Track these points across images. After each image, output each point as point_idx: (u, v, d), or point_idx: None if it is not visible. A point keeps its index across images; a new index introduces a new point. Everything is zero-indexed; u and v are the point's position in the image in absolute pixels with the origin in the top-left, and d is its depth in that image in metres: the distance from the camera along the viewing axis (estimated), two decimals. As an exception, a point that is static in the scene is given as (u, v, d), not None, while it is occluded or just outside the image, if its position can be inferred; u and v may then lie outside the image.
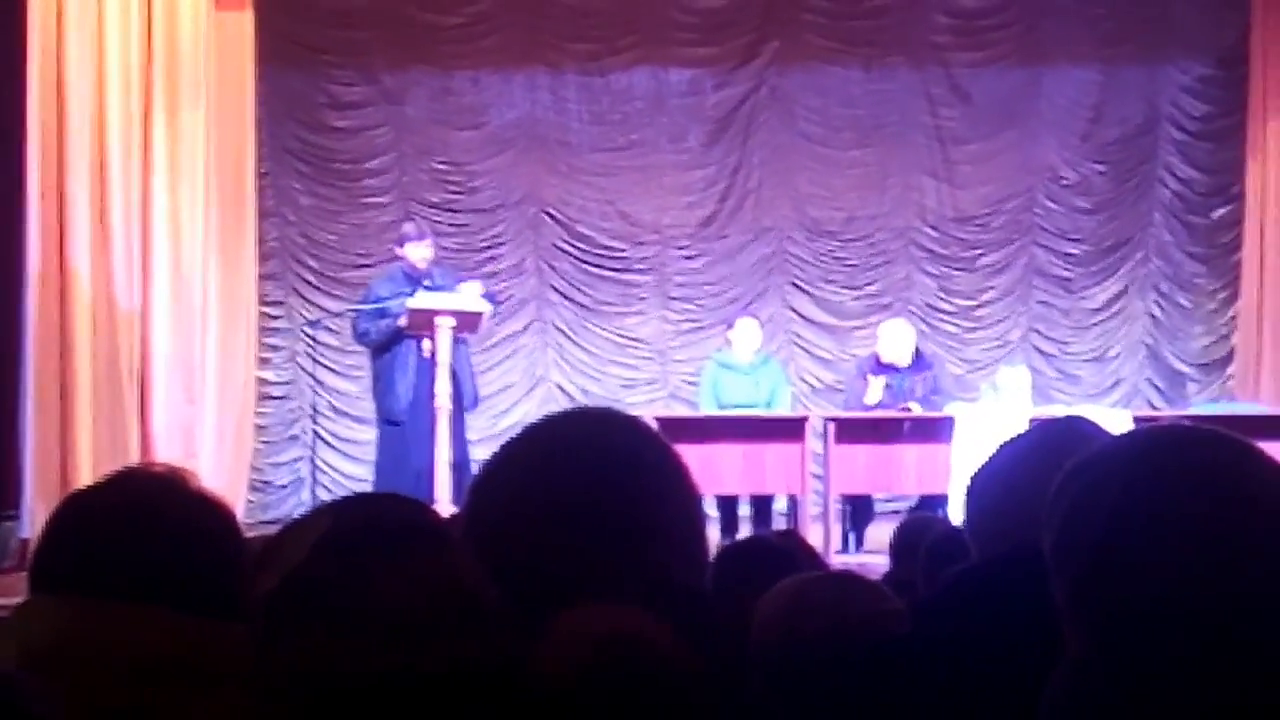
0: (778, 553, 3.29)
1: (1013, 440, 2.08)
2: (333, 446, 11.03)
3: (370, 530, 1.37)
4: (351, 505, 1.46)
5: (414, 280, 8.61)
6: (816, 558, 3.52)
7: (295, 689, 1.29)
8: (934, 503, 8.62)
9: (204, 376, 9.23)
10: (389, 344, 8.54)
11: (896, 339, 9.23)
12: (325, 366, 10.73)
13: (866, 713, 1.83)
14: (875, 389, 9.04)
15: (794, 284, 11.60)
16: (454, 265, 10.03)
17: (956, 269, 11.68)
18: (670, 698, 1.36)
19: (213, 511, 1.86)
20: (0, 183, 8.17)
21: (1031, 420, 7.23)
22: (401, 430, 8.55)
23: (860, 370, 9.36)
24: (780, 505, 9.28)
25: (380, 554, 1.34)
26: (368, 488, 10.30)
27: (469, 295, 8.53)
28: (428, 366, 8.40)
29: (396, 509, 1.44)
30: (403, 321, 8.37)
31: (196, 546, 1.79)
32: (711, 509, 8.88)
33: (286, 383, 11.14)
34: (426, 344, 8.37)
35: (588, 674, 1.34)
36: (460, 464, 8.36)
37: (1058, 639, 1.45)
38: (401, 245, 8.81)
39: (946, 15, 11.46)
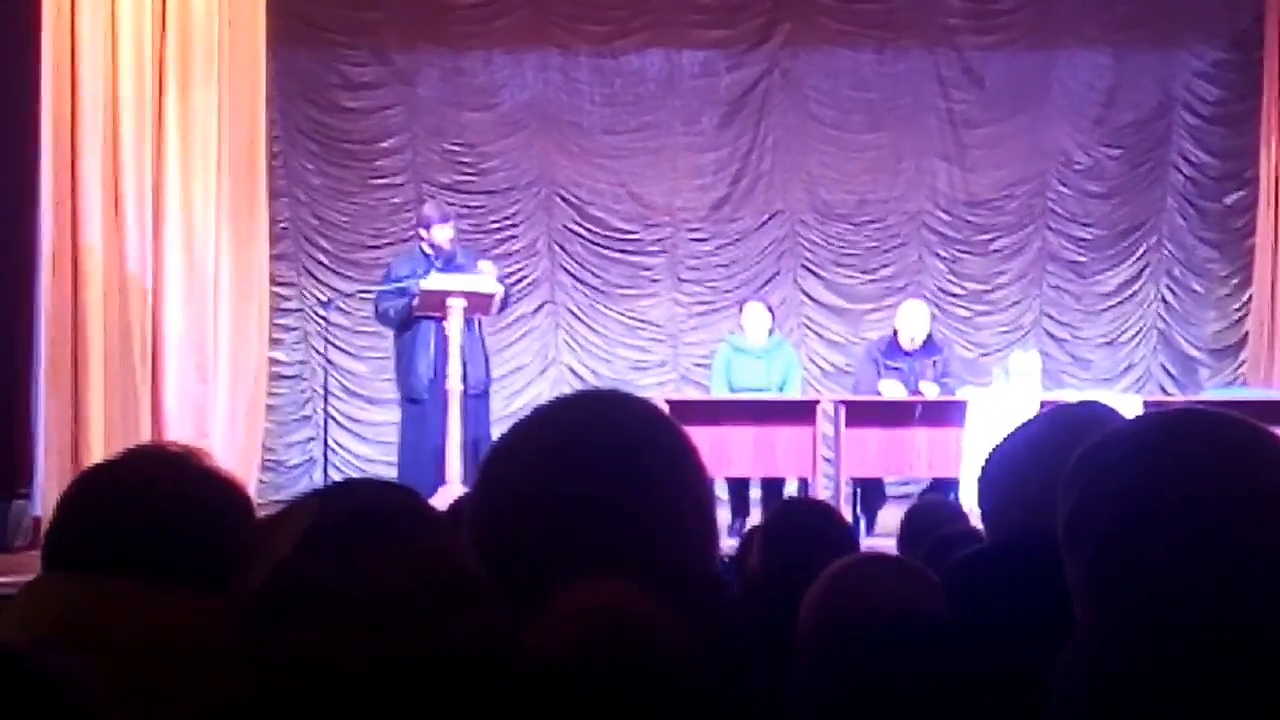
0: (825, 515, 3.44)
1: (1028, 423, 2.08)
2: (344, 427, 11.05)
3: (357, 516, 1.37)
4: (336, 493, 1.45)
5: (432, 261, 8.62)
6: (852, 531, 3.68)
7: (290, 677, 1.29)
8: (945, 486, 8.61)
9: (216, 356, 9.24)
10: (409, 323, 8.56)
11: (915, 319, 9.20)
12: (337, 347, 10.75)
13: (896, 692, 1.83)
14: (891, 388, 9.01)
15: (805, 267, 11.58)
16: (464, 246, 10.02)
17: (969, 253, 11.66)
18: (664, 674, 1.36)
19: (226, 490, 1.86)
20: (13, 161, 8.16)
21: (1042, 405, 7.24)
22: (423, 408, 8.57)
23: (870, 354, 9.35)
24: (791, 488, 9.27)
25: (369, 539, 1.34)
26: (379, 468, 10.33)
27: (485, 276, 8.54)
28: (449, 346, 8.43)
29: (382, 494, 1.44)
30: (416, 302, 8.38)
31: (209, 525, 1.79)
32: (722, 492, 8.89)
33: (298, 363, 11.15)
34: (448, 325, 8.40)
35: (580, 650, 1.34)
36: (483, 443, 8.36)
37: (1069, 622, 1.45)
38: (428, 228, 8.78)
39: (959, -2, 11.44)
